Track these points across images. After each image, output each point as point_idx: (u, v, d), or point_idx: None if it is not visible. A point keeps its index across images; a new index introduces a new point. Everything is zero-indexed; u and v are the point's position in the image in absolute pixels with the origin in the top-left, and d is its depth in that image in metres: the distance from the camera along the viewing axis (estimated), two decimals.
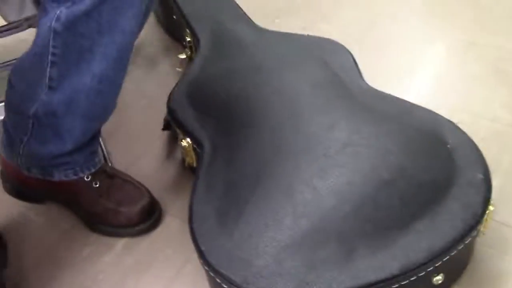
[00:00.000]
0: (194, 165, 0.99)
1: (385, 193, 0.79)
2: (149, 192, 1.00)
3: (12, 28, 1.15)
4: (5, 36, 1.20)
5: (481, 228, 0.82)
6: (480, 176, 0.80)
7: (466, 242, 0.76)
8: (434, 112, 0.91)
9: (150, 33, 1.47)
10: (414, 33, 1.35)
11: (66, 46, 0.77)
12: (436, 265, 0.74)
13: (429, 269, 0.73)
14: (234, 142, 0.91)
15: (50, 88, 0.81)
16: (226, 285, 0.75)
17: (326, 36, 1.19)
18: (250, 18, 1.19)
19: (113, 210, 0.96)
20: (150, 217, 0.98)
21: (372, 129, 0.88)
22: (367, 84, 1.00)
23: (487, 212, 0.79)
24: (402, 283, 0.72)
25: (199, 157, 0.94)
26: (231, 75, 1.03)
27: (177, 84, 1.04)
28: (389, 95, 0.96)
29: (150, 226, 0.98)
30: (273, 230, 0.77)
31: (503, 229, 0.92)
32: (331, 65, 1.03)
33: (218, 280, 0.76)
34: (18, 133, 0.89)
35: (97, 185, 0.96)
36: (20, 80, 0.85)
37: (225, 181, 0.85)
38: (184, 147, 0.98)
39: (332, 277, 0.71)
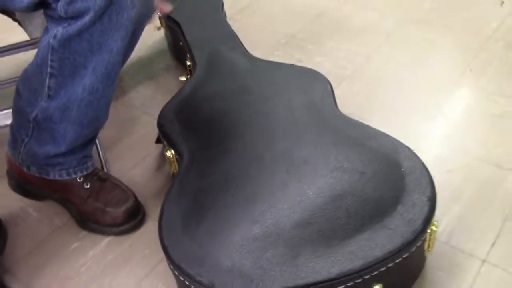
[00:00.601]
0: None
1: (333, 206, 0.87)
2: (135, 196, 1.10)
3: (34, 43, 1.29)
4: (28, 50, 1.35)
5: (426, 247, 0.89)
6: (425, 198, 0.87)
7: (404, 256, 0.82)
8: (395, 139, 0.99)
9: (160, 56, 1.60)
10: (404, 75, 1.43)
11: (62, 60, 0.89)
12: (373, 274, 0.80)
13: (366, 277, 0.80)
14: (211, 155, 1.01)
15: (49, 96, 0.94)
16: (182, 277, 0.83)
17: (320, 68, 1.29)
18: (245, 48, 1.30)
19: (100, 209, 1.06)
20: (133, 218, 1.08)
21: (333, 150, 0.96)
22: (339, 111, 1.08)
23: (428, 231, 0.86)
24: (340, 286, 0.79)
25: (179, 166, 1.04)
26: (218, 96, 1.14)
27: (168, 101, 1.15)
28: (358, 121, 1.05)
29: (133, 227, 1.08)
30: (229, 233, 0.86)
31: (457, 254, 0.98)
32: (309, 92, 1.12)
33: (177, 273, 0.85)
34: (21, 134, 1.02)
35: (88, 186, 1.07)
36: (25, 87, 0.98)
37: (196, 188, 0.95)
38: (168, 157, 1.08)
39: (275, 276, 0.79)
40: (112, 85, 0.95)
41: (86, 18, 0.84)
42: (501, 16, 1.59)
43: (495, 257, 0.96)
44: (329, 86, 1.14)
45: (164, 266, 1.01)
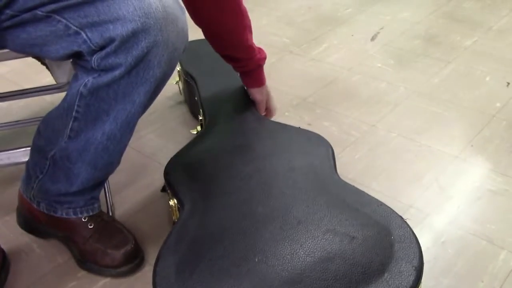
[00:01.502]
0: None
1: (322, 267, 0.90)
2: (135, 240, 1.14)
3: (59, 87, 1.38)
4: (53, 93, 1.43)
5: None
6: (412, 267, 0.90)
7: None
8: (388, 207, 1.02)
9: (177, 109, 1.67)
10: (406, 145, 1.48)
11: (88, 106, 0.96)
12: None
13: None
14: (209, 206, 1.05)
15: (69, 137, 1.00)
16: None
17: (327, 132, 1.34)
18: (255, 109, 1.37)
19: (101, 250, 1.10)
20: (131, 262, 1.11)
21: (327, 213, 1.00)
22: (337, 175, 1.13)
23: None
24: None
25: (179, 214, 1.09)
26: (222, 151, 1.19)
27: (177, 152, 1.21)
28: (354, 187, 1.09)
29: (130, 270, 1.11)
30: (219, 286, 0.89)
31: None
32: (310, 155, 1.17)
33: None
34: (36, 171, 1.08)
35: (91, 227, 1.11)
36: (47, 127, 1.05)
37: (192, 238, 0.99)
38: (171, 206, 1.12)
39: None
40: (129, 133, 1.02)
41: (117, 72, 0.91)
42: (506, 96, 1.65)
43: None
44: (330, 150, 1.19)
45: None
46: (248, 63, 1.30)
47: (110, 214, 1.24)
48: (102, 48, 0.89)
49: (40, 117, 1.19)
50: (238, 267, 0.91)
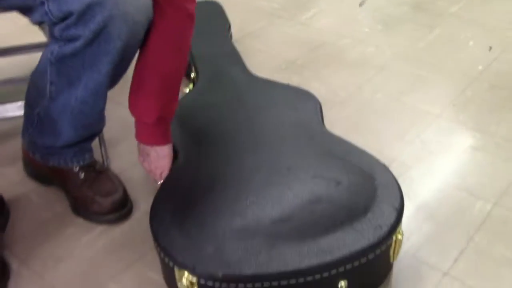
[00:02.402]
0: None
1: (310, 208, 0.96)
2: (124, 190, 1.19)
3: None
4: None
5: (391, 253, 0.97)
6: (393, 208, 0.96)
7: (369, 257, 0.91)
8: (373, 156, 1.08)
9: None
10: (391, 105, 1.53)
11: (59, 72, 1.02)
12: (339, 270, 0.89)
13: (332, 272, 0.89)
14: (203, 156, 1.10)
15: (51, 98, 1.06)
16: (167, 260, 0.92)
17: (315, 93, 1.39)
18: (246, 66, 1.41)
19: (90, 198, 1.16)
20: (119, 210, 1.17)
21: (315, 161, 1.06)
22: (325, 128, 1.18)
23: (393, 237, 0.94)
24: (308, 278, 0.88)
25: (174, 163, 1.14)
26: (214, 106, 1.24)
27: None
28: (341, 138, 1.14)
29: (118, 218, 1.17)
30: (212, 225, 0.95)
31: (422, 266, 1.06)
32: (299, 109, 1.23)
33: (162, 256, 0.93)
34: (27, 124, 1.15)
35: (83, 176, 1.17)
36: (33, 85, 1.11)
37: (187, 185, 1.04)
38: None
39: (250, 264, 0.88)
40: (101, 100, 1.07)
41: (77, 43, 0.96)
42: (488, 60, 1.70)
43: (456, 271, 1.04)
44: (318, 106, 1.25)
45: (152, 255, 1.09)
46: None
47: (105, 165, 1.28)
48: (62, 20, 0.94)
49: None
50: (230, 208, 0.97)
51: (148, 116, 1.11)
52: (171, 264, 0.92)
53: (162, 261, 0.95)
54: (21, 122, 1.35)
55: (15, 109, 1.29)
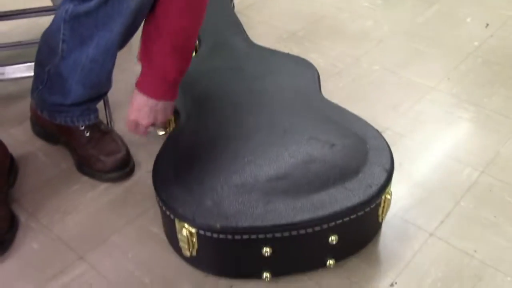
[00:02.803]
0: None
1: (304, 167, 1.01)
2: (127, 150, 1.24)
3: (54, 9, 1.44)
4: (51, 15, 1.50)
5: (380, 212, 1.03)
6: (384, 170, 1.01)
7: (359, 214, 0.97)
8: (367, 122, 1.13)
9: None
10: (387, 77, 1.58)
11: (72, 31, 1.06)
12: (330, 225, 0.95)
13: (323, 226, 0.94)
14: (204, 117, 1.15)
15: (62, 56, 1.10)
16: (169, 212, 0.97)
17: (313, 63, 1.43)
18: (247, 36, 1.45)
19: (94, 156, 1.21)
20: (121, 169, 1.22)
21: (311, 124, 1.11)
22: (322, 95, 1.23)
23: (382, 197, 1.00)
24: (300, 232, 0.93)
25: (176, 124, 1.19)
26: (216, 72, 1.29)
27: None
28: (337, 105, 1.19)
29: (119, 176, 1.22)
30: (212, 181, 1.00)
31: (409, 226, 1.11)
32: (298, 76, 1.28)
33: (164, 209, 0.99)
34: (37, 82, 1.19)
35: (88, 135, 1.22)
36: (44, 44, 1.14)
37: (188, 143, 1.10)
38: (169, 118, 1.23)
39: (247, 216, 0.93)
40: (111, 59, 1.11)
41: (92, 3, 1.00)
42: (484, 36, 1.74)
43: (441, 232, 1.10)
44: (316, 74, 1.29)
45: (153, 211, 1.15)
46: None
47: (110, 126, 1.33)
48: None
49: (38, 39, 1.27)
50: (229, 165, 1.02)
51: (168, 74, 1.10)
52: (172, 216, 0.98)
53: (164, 214, 1.01)
54: (28, 83, 1.40)
55: (23, 70, 1.33)
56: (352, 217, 0.96)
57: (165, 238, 1.09)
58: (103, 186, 1.22)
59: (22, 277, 1.02)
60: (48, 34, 1.13)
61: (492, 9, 1.89)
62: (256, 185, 0.99)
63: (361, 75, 1.57)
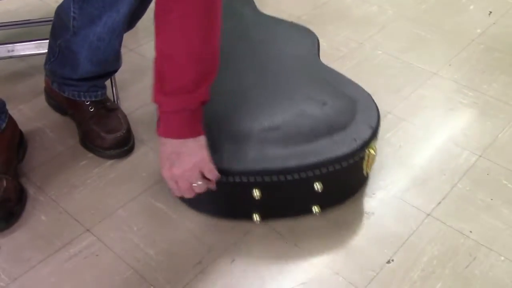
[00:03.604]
0: None
1: (297, 121, 1.11)
2: (128, 129, 1.26)
3: None
4: None
5: (364, 166, 1.12)
6: (369, 127, 1.10)
7: (343, 165, 1.05)
8: (360, 86, 1.22)
9: None
10: (389, 61, 1.60)
11: (81, 10, 1.09)
12: (315, 172, 1.03)
13: (309, 173, 1.03)
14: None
15: (73, 32, 1.14)
16: None
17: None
18: (256, 6, 1.54)
19: (96, 132, 1.24)
20: (120, 147, 1.25)
21: (308, 85, 1.22)
22: (320, 60, 1.33)
23: (366, 151, 1.08)
24: (288, 177, 1.03)
25: None
26: (224, 35, 1.32)
27: None
28: (335, 71, 1.28)
29: (118, 154, 1.25)
30: (211, 130, 1.05)
31: (407, 207, 1.14)
32: (299, 43, 1.37)
33: None
34: (50, 54, 1.23)
35: (92, 110, 1.26)
36: (58, 17, 1.19)
37: None
38: None
39: (244, 160, 1.04)
40: (117, 38, 1.14)
41: None
42: (487, 24, 1.76)
43: (438, 213, 1.13)
44: (316, 40, 1.38)
45: (157, 187, 1.18)
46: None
47: (117, 103, 1.36)
48: None
49: (47, 18, 1.30)
50: (228, 116, 1.13)
51: (196, 99, 0.95)
52: None
53: None
54: (37, 60, 1.43)
55: (32, 48, 1.36)
56: (336, 167, 1.04)
57: (169, 212, 1.12)
58: (109, 162, 1.25)
59: (31, 247, 1.06)
60: (61, 10, 1.17)
61: None
62: (250, 134, 1.08)
63: (364, 59, 1.59)
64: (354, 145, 1.05)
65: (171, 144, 0.96)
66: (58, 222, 1.11)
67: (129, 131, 1.27)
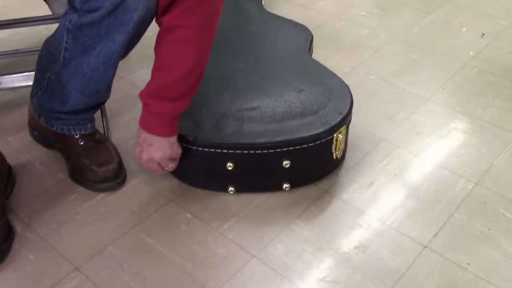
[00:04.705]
0: None
1: (273, 103, 1.24)
2: (120, 162, 1.25)
3: (55, 18, 1.45)
4: (51, 23, 1.51)
5: (333, 149, 1.21)
6: (340, 114, 1.21)
7: (309, 145, 1.16)
8: (339, 77, 1.34)
9: None
10: (382, 86, 1.59)
11: (75, 40, 1.07)
12: (283, 149, 1.15)
13: (277, 150, 1.15)
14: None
15: (63, 64, 1.11)
16: None
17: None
18: (261, 3, 1.69)
19: (87, 165, 1.22)
20: (112, 180, 1.23)
21: (291, 73, 1.34)
22: (308, 53, 1.46)
23: (334, 135, 1.18)
24: (258, 151, 1.15)
25: None
26: (225, 28, 1.36)
27: None
28: (318, 62, 1.40)
29: (109, 187, 1.23)
30: (201, 109, 1.23)
31: (404, 239, 1.12)
32: (293, 36, 1.51)
33: None
34: (37, 87, 1.20)
35: (82, 143, 1.23)
36: (46, 51, 1.15)
37: None
38: None
39: (217, 135, 1.16)
40: (111, 68, 1.12)
41: (96, 14, 1.01)
42: (480, 46, 1.76)
43: (435, 245, 1.11)
44: (310, 36, 1.51)
45: (148, 222, 1.15)
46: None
47: (106, 135, 1.34)
48: None
49: (37, 47, 1.27)
50: (212, 97, 1.26)
51: (178, 108, 1.11)
52: None
53: None
54: (26, 92, 1.41)
55: (21, 80, 1.34)
56: (303, 146, 1.15)
57: (160, 248, 1.10)
58: (100, 196, 1.22)
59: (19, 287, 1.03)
60: (51, 42, 1.14)
61: (488, 19, 1.91)
62: (229, 112, 1.22)
63: (357, 84, 1.58)
64: (321, 129, 1.16)
65: (147, 135, 1.14)
66: (46, 260, 1.08)
67: (120, 163, 1.25)
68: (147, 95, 1.11)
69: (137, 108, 1.48)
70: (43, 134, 1.30)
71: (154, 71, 1.10)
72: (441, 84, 1.58)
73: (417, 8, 1.98)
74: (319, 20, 1.90)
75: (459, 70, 1.64)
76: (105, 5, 0.99)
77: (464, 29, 1.85)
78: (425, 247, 1.10)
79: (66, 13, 1.07)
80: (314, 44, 1.53)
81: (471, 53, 1.72)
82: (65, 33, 1.07)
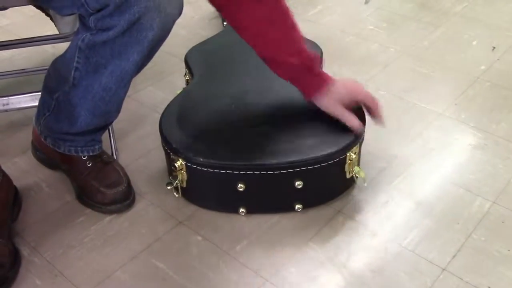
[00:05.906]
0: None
1: (288, 123, 1.22)
2: (128, 183, 1.22)
3: (62, 37, 1.43)
4: (57, 43, 1.49)
5: (346, 169, 1.19)
6: (353, 136, 1.18)
7: (322, 165, 1.14)
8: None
9: (176, 64, 1.73)
10: (394, 102, 1.56)
11: (86, 59, 1.04)
12: (295, 170, 1.13)
13: (290, 170, 1.13)
14: (212, 75, 1.40)
15: (73, 84, 1.09)
16: (169, 150, 1.17)
17: None
18: None
19: (95, 187, 1.19)
20: (121, 202, 1.20)
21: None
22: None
23: (347, 154, 1.16)
24: (269, 172, 1.13)
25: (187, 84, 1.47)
26: (233, 44, 1.44)
27: (197, 44, 1.54)
28: None
29: (118, 209, 1.20)
30: (206, 130, 1.21)
31: (421, 261, 1.09)
32: None
33: (167, 148, 1.18)
34: (44, 108, 1.17)
35: (90, 165, 1.20)
36: (55, 71, 1.13)
37: (195, 98, 1.31)
38: (186, 80, 1.49)
39: (226, 155, 1.14)
40: (123, 88, 1.10)
41: (111, 32, 0.99)
42: (491, 60, 1.73)
43: (453, 267, 1.07)
44: (320, 53, 1.51)
45: (158, 245, 1.12)
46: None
47: (115, 157, 1.32)
48: (98, 10, 0.97)
49: (43, 67, 1.26)
50: (221, 116, 1.25)
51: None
52: (168, 151, 1.18)
53: (165, 152, 1.21)
54: (31, 112, 1.39)
55: (27, 101, 1.32)
56: (315, 166, 1.13)
57: (170, 273, 1.07)
58: (108, 218, 1.20)
59: None
60: (60, 62, 1.12)
61: (498, 32, 1.88)
62: (240, 132, 1.20)
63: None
64: (334, 148, 1.14)
65: (333, 91, 1.21)
66: (53, 286, 1.05)
67: (129, 184, 1.23)
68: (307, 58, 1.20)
69: (144, 127, 1.48)
70: (47, 155, 1.28)
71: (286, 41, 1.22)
72: (453, 99, 1.55)
73: (426, 22, 1.96)
74: (327, 35, 1.88)
75: (471, 85, 1.61)
76: (120, 23, 0.97)
77: (474, 42, 1.83)
78: (443, 269, 1.07)
79: (77, 32, 1.05)
80: (324, 58, 1.51)
81: (483, 67, 1.69)
82: (76, 53, 1.04)
